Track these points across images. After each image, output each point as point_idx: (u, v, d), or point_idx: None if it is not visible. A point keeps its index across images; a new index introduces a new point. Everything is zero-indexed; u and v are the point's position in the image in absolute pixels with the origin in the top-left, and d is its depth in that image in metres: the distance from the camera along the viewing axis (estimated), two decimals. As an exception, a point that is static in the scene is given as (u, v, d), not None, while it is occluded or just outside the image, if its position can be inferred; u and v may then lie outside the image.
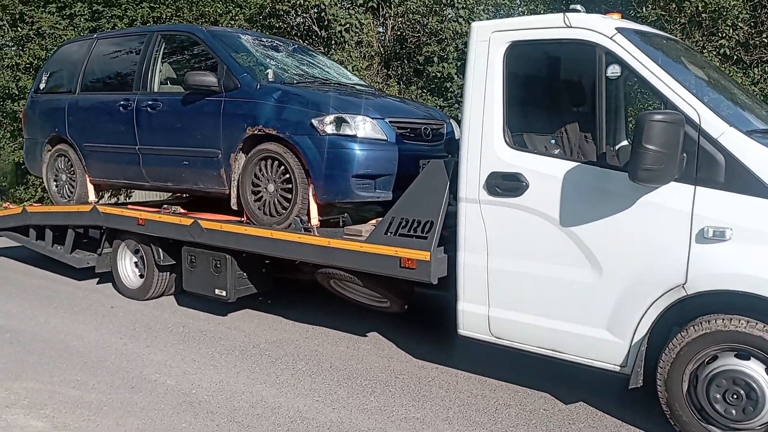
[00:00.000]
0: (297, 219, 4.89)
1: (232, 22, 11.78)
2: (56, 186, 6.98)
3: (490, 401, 4.09)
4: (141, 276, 6.49)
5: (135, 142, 5.96)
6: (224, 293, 5.45)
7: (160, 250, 6.09)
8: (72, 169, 6.72)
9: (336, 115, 4.73)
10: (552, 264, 3.77)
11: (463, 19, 9.91)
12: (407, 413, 3.91)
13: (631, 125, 5.56)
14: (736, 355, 3.29)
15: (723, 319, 3.30)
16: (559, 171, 3.71)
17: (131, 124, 5.96)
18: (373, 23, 11.14)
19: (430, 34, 10.23)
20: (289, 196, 4.95)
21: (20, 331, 5.48)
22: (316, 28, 10.81)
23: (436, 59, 10.06)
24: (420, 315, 5.84)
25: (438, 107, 9.27)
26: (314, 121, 4.74)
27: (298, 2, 10.43)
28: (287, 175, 4.93)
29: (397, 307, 5.06)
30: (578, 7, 3.81)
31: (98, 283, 7.11)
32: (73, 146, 6.63)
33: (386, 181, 4.86)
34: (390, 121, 4.96)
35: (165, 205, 6.27)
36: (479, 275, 4.05)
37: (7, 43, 13.45)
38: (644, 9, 8.22)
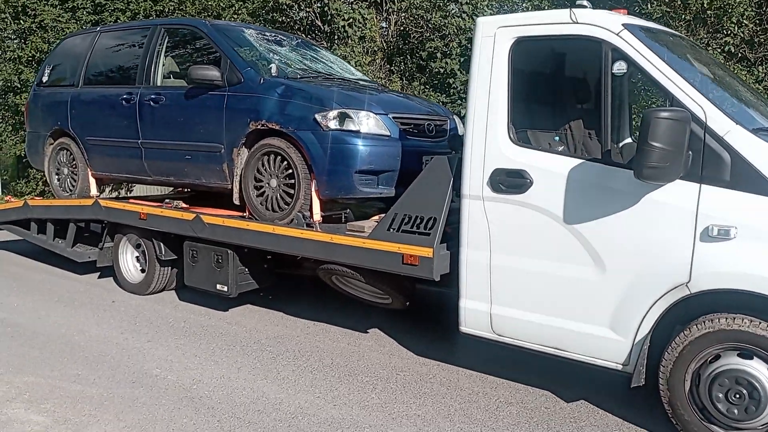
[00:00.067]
0: (299, 214, 4.87)
1: (235, 16, 11.75)
2: (58, 180, 6.97)
3: (491, 399, 4.08)
4: (142, 270, 6.48)
5: (137, 136, 5.95)
6: (226, 288, 5.44)
7: (162, 244, 6.08)
8: (74, 162, 6.71)
9: (339, 111, 4.72)
10: (555, 261, 3.76)
11: (467, 15, 9.88)
12: (408, 410, 3.91)
13: (635, 123, 5.54)
14: (739, 355, 3.27)
15: (726, 318, 3.28)
16: (563, 168, 3.69)
17: (134, 118, 5.94)
18: (376, 18, 11.11)
19: (433, 29, 10.21)
20: (292, 191, 4.94)
21: (21, 325, 5.48)
22: (319, 23, 10.78)
23: (439, 55, 10.03)
24: (422, 312, 5.83)
25: (441, 103, 9.25)
26: (317, 117, 4.72)
27: (301, -4, 10.43)
28: (290, 171, 4.92)
29: (398, 303, 5.05)
30: (585, 2, 3.78)
31: (99, 277, 7.11)
32: (75, 140, 6.61)
33: (389, 177, 4.84)
34: (393, 117, 4.95)
35: (167, 200, 6.26)
36: (482, 272, 4.03)
37: (10, 36, 13.44)
38: (649, 5, 8.18)
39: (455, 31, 9.80)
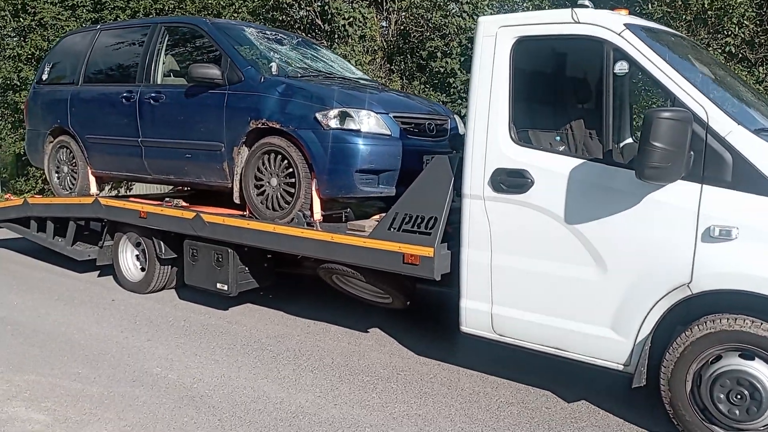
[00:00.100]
0: (300, 213, 4.86)
1: (235, 15, 11.73)
2: (58, 178, 6.96)
3: (492, 399, 4.08)
4: (142, 269, 6.48)
5: (137, 134, 5.94)
6: (226, 287, 5.43)
7: (162, 243, 6.07)
8: (74, 160, 6.70)
9: (340, 110, 4.71)
10: (556, 261, 3.75)
11: (467, 14, 9.86)
12: (409, 410, 3.90)
13: (635, 123, 5.54)
14: (740, 355, 3.27)
15: (728, 319, 3.28)
16: (564, 168, 3.69)
17: (134, 116, 5.93)
18: (376, 17, 11.10)
19: (433, 29, 10.19)
20: (292, 190, 4.93)
21: (21, 323, 5.47)
22: (320, 22, 10.77)
23: (439, 54, 10.02)
24: (422, 311, 5.83)
25: (441, 103, 9.24)
26: (318, 115, 4.72)
27: (301, -5, 10.41)
28: (290, 170, 4.91)
29: (399, 303, 5.05)
30: (586, 2, 3.78)
31: (99, 275, 7.10)
32: (75, 138, 6.60)
33: (390, 177, 4.84)
34: (394, 116, 4.94)
35: (167, 198, 6.25)
36: (483, 272, 4.03)
37: (9, 33, 13.41)
38: (650, 6, 8.18)
39: (455, 30, 9.79)
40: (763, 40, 8.22)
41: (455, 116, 5.88)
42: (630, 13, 3.95)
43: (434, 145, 5.16)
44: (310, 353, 4.83)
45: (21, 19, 12.82)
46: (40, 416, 3.74)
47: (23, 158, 13.20)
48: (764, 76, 8.11)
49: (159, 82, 5.95)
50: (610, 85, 3.59)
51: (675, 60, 3.62)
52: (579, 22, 3.67)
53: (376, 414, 3.84)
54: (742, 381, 3.23)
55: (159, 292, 6.45)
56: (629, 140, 5.07)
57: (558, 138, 4.44)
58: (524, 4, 9.64)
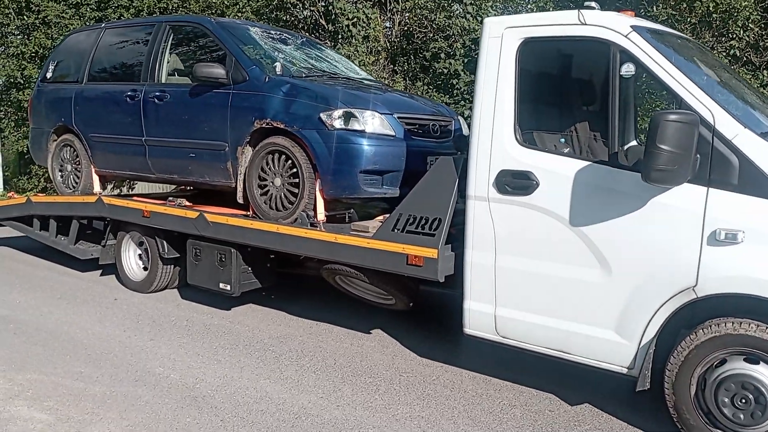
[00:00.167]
0: (303, 214, 4.86)
1: (239, 14, 11.73)
2: (61, 176, 6.96)
3: (495, 401, 4.07)
4: (145, 268, 6.47)
5: (141, 133, 5.94)
6: (228, 287, 5.43)
7: (165, 242, 6.07)
8: (77, 159, 6.69)
9: (345, 110, 4.70)
10: (561, 264, 3.74)
11: (471, 16, 9.85)
12: (412, 412, 3.89)
13: (640, 125, 5.53)
14: (745, 359, 3.26)
15: (733, 323, 3.27)
16: (570, 170, 3.68)
17: (138, 115, 5.93)
18: (380, 18, 11.09)
19: (437, 30, 10.18)
20: (296, 190, 4.92)
21: (24, 322, 5.47)
22: (323, 22, 10.76)
23: (443, 55, 10.00)
24: (425, 313, 5.82)
25: (444, 104, 9.22)
26: (323, 116, 4.71)
27: (305, -5, 10.41)
28: (294, 170, 4.90)
29: (402, 304, 5.04)
30: (593, 4, 3.77)
31: (102, 274, 7.10)
32: (79, 136, 6.60)
33: (394, 178, 4.83)
34: (398, 117, 4.93)
35: (170, 198, 6.25)
36: (487, 274, 4.02)
37: (13, 31, 13.40)
38: (655, 8, 8.16)
39: (459, 31, 9.78)
40: (767, 44, 8.20)
41: (459, 117, 5.88)
42: (635, 16, 3.95)
43: (438, 146, 5.15)
44: (312, 354, 4.82)
45: (25, 16, 12.82)
46: (43, 415, 3.73)
47: (26, 156, 13.19)
48: (768, 79, 8.08)
49: (163, 81, 5.94)
50: (616, 87, 3.58)
51: (681, 62, 3.62)
52: (585, 24, 3.66)
53: (378, 415, 3.83)
54: (747, 385, 3.22)
55: (161, 292, 6.44)
56: (633, 143, 5.05)
57: (563, 140, 4.43)
58: (528, 6, 9.63)
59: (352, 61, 8.70)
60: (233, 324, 5.52)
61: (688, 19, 8.09)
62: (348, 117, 4.69)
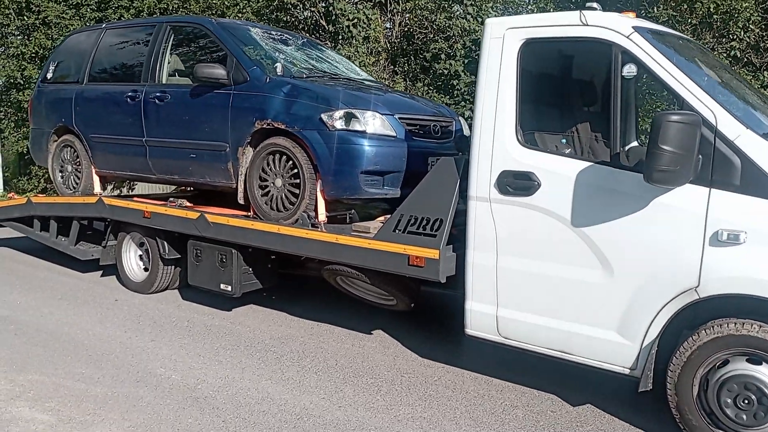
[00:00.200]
0: (304, 214, 4.85)
1: (240, 15, 11.72)
2: (62, 177, 6.96)
3: (497, 402, 4.07)
4: (145, 269, 6.46)
5: (142, 134, 5.93)
6: (229, 288, 5.42)
7: (166, 243, 6.06)
8: (78, 160, 6.69)
9: (345, 111, 4.70)
10: (562, 264, 3.74)
11: (471, 17, 9.85)
12: (414, 412, 3.89)
13: (641, 126, 5.53)
14: (747, 360, 3.26)
15: (735, 323, 3.27)
16: (572, 171, 3.68)
17: (138, 116, 5.93)
18: (380, 19, 11.09)
19: (437, 30, 10.18)
20: (297, 191, 4.92)
21: (24, 323, 5.46)
22: (324, 23, 10.76)
23: (443, 56, 10.01)
24: (426, 314, 5.82)
25: (444, 105, 9.22)
26: (323, 116, 4.71)
27: (306, -4, 10.41)
28: (295, 170, 4.90)
29: (403, 305, 5.03)
30: (594, 5, 3.77)
31: (102, 275, 7.09)
32: (79, 137, 6.60)
33: (395, 178, 4.83)
34: (399, 118, 4.93)
35: (171, 198, 6.25)
36: (488, 274, 4.01)
37: (13, 32, 13.39)
38: (655, 9, 8.16)
39: (459, 32, 9.78)
40: (768, 45, 8.22)
41: (459, 118, 5.88)
42: (637, 16, 3.95)
43: (439, 146, 5.15)
44: (314, 355, 4.82)
45: (25, 17, 12.81)
46: (44, 416, 3.73)
47: (26, 157, 13.18)
48: (769, 80, 8.09)
49: (164, 81, 5.94)
50: (618, 88, 3.58)
51: (683, 63, 3.62)
52: (587, 25, 3.66)
53: (380, 416, 3.83)
54: (750, 386, 3.22)
55: (162, 293, 6.44)
56: (634, 143, 5.05)
57: (564, 141, 4.43)
58: (528, 7, 9.63)
59: (353, 62, 8.69)
60: (234, 325, 5.52)
61: (689, 20, 8.10)
62: (349, 118, 4.69)
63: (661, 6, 8.21)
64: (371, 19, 10.63)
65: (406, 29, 11.13)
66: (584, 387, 4.20)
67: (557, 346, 3.82)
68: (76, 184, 6.77)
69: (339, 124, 4.68)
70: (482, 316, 4.07)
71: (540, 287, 3.84)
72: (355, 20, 10.38)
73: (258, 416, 3.79)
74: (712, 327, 3.32)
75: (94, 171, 6.62)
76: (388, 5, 10.99)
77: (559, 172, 3.73)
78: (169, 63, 6.02)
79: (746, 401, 3.22)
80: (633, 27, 3.58)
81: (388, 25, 11.40)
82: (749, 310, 3.26)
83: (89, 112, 6.50)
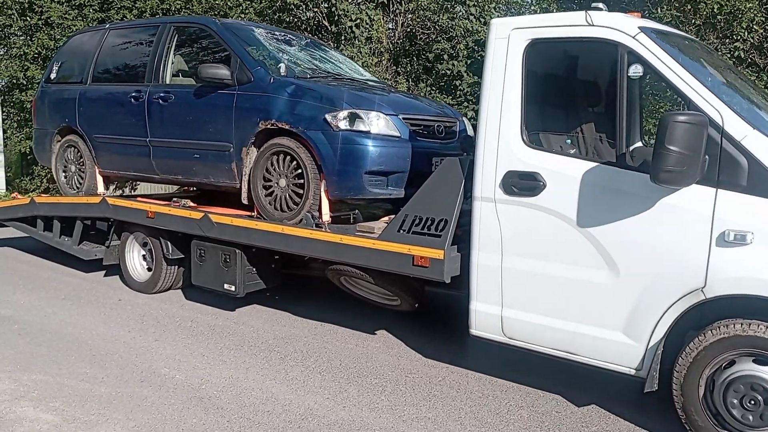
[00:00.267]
0: (308, 215, 4.85)
1: (242, 16, 11.74)
2: (65, 177, 6.96)
3: (501, 402, 4.06)
4: (149, 269, 6.46)
5: (146, 134, 5.93)
6: (233, 288, 5.42)
7: (169, 243, 6.06)
8: (81, 160, 6.70)
9: (350, 111, 4.70)
10: (568, 265, 3.73)
11: (474, 17, 9.86)
12: (418, 413, 3.88)
13: (645, 127, 5.52)
14: (754, 361, 3.25)
15: (741, 324, 3.26)
16: (577, 171, 3.67)
17: (142, 116, 5.93)
18: (383, 19, 11.10)
19: (440, 31, 10.19)
20: (301, 191, 4.92)
21: (28, 323, 5.46)
22: (326, 23, 10.77)
23: (446, 57, 10.01)
24: (431, 314, 5.81)
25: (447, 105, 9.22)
26: (328, 117, 4.70)
27: (308, -4, 10.42)
28: (299, 171, 4.90)
29: (407, 305, 5.03)
30: (600, 5, 3.77)
31: (105, 275, 7.09)
32: (83, 137, 6.60)
33: (399, 179, 4.82)
34: (403, 118, 4.93)
35: (174, 198, 6.24)
36: (493, 275, 4.01)
37: (16, 32, 13.42)
38: (659, 10, 8.16)
39: (462, 33, 9.79)
40: (771, 45, 8.21)
41: (463, 118, 5.87)
42: (641, 17, 3.94)
43: (443, 147, 5.14)
44: (318, 355, 4.81)
45: (28, 18, 12.84)
46: (49, 416, 3.72)
47: (28, 157, 13.21)
48: (773, 80, 8.09)
49: (167, 81, 5.94)
50: (624, 89, 3.58)
51: (689, 63, 3.61)
52: (593, 25, 3.65)
53: (385, 416, 3.82)
54: (756, 386, 3.20)
55: (165, 293, 6.43)
56: (639, 144, 5.05)
57: (568, 141, 4.43)
58: (532, 7, 9.63)
59: (355, 63, 8.70)
60: (238, 325, 5.51)
61: (693, 21, 8.10)
62: (353, 118, 4.69)
63: (665, 6, 8.21)
64: (374, 19, 10.64)
65: (408, 30, 11.14)
66: (589, 387, 4.19)
67: (562, 347, 3.82)
68: (80, 184, 6.77)
69: (343, 125, 4.68)
70: (487, 316, 4.06)
71: (545, 288, 3.83)
72: (358, 21, 10.39)
73: (262, 416, 3.79)
74: (719, 327, 3.31)
75: (97, 171, 6.63)
76: (391, 6, 11.00)
77: (564, 172, 3.73)
78: (172, 63, 6.02)
79: (752, 402, 3.21)
80: (639, 27, 3.58)
81: (390, 26, 11.41)
82: (756, 310, 3.25)
83: (93, 113, 6.50)
